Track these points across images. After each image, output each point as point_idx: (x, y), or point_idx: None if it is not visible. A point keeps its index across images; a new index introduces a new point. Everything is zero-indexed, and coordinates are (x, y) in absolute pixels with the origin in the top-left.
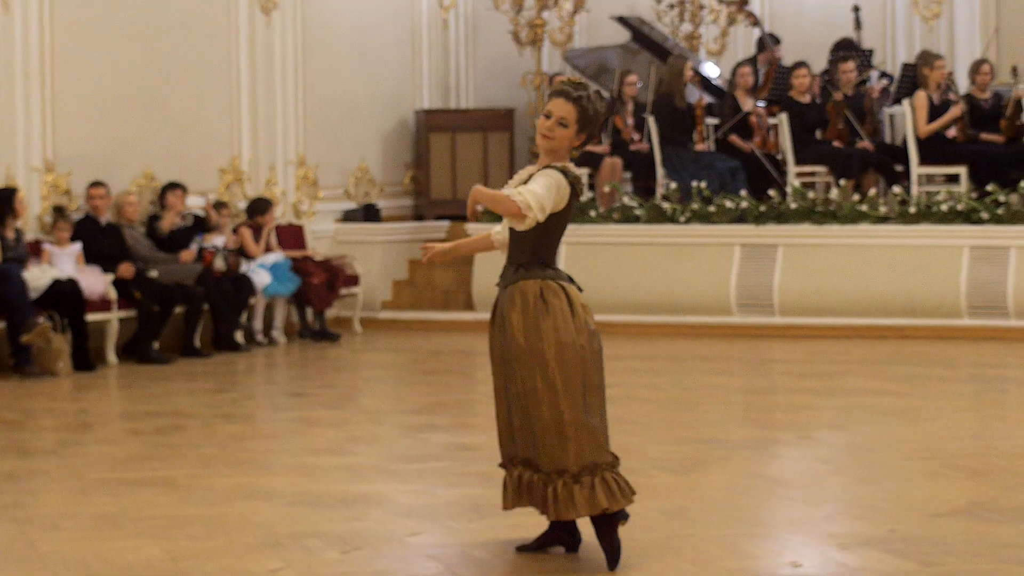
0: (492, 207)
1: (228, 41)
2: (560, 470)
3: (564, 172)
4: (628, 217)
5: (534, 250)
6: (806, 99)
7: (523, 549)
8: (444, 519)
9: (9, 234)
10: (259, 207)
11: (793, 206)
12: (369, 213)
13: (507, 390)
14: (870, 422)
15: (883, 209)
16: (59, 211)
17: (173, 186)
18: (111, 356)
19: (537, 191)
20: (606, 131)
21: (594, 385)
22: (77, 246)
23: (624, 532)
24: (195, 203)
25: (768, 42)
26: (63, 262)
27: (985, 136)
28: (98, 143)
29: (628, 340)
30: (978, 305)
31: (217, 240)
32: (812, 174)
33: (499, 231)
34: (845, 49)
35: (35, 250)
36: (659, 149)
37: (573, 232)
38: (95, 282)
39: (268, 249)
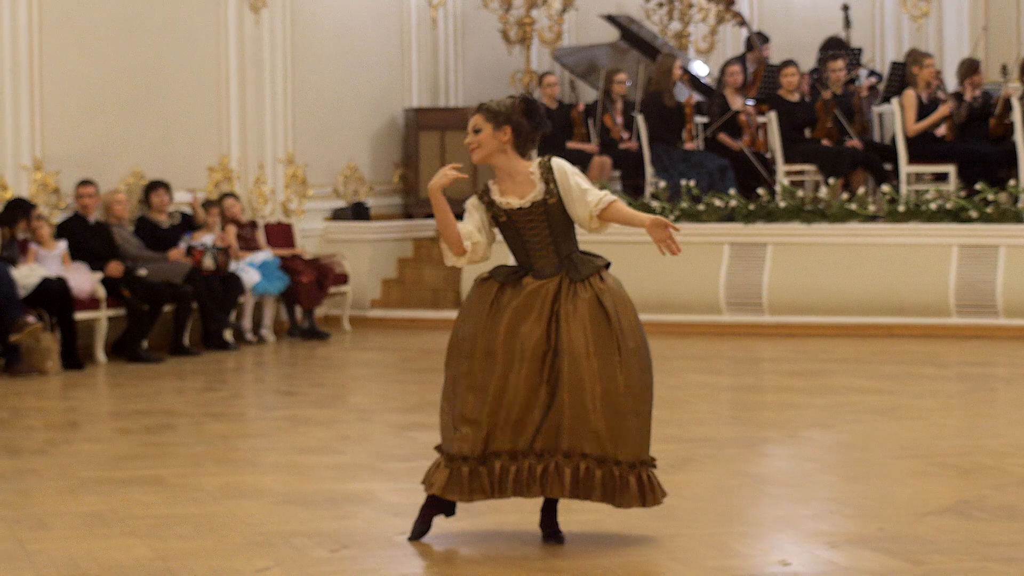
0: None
1: (217, 40)
2: (642, 460)
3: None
4: None
5: (574, 234)
6: (795, 98)
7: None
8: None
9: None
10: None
11: (782, 205)
12: (358, 212)
13: (558, 382)
14: (858, 421)
15: (872, 208)
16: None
17: (157, 185)
18: (100, 355)
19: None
20: (595, 129)
21: None
22: (63, 245)
23: (611, 530)
24: (183, 199)
25: (756, 41)
26: (49, 262)
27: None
28: (87, 142)
29: None
30: (967, 304)
31: (206, 238)
32: (801, 173)
33: (470, 247)
34: (834, 48)
35: (22, 249)
36: (648, 148)
37: None
38: (82, 280)
39: (256, 246)
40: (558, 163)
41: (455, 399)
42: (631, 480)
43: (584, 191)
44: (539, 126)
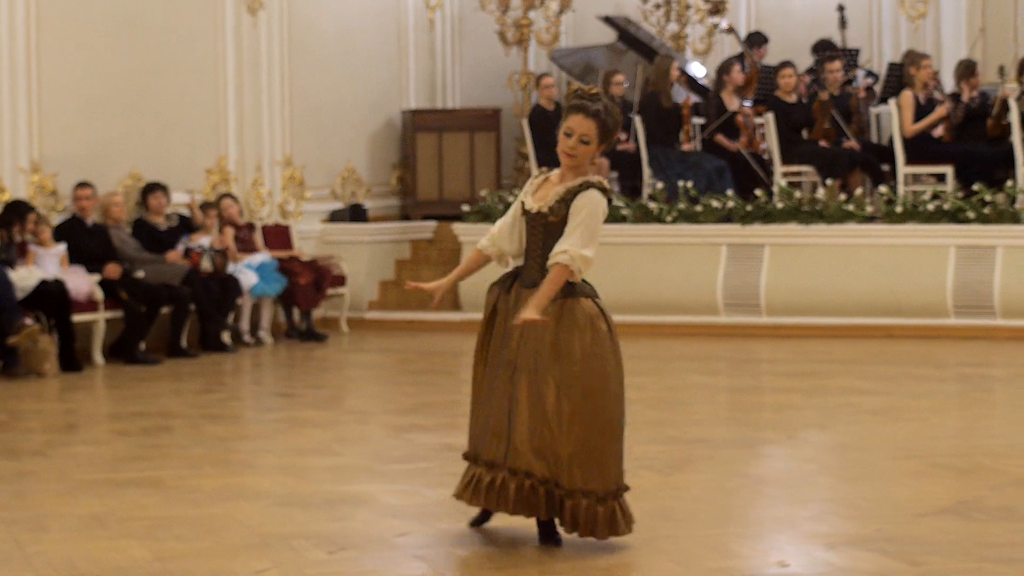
0: (553, 294)
1: (214, 41)
2: (585, 491)
3: (602, 191)
4: (615, 217)
5: None
6: (792, 99)
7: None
8: (431, 519)
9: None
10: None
11: (779, 206)
12: (356, 213)
13: (510, 396)
14: (856, 421)
15: (869, 209)
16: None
17: (154, 187)
18: (98, 357)
19: (586, 254)
20: None
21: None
22: (61, 247)
23: None
24: (181, 201)
25: (748, 52)
26: (47, 263)
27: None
28: (84, 144)
29: None
30: (964, 304)
31: (203, 240)
32: (798, 174)
33: (487, 244)
34: (825, 49)
35: (20, 251)
36: (645, 149)
37: None
38: (80, 282)
39: (254, 248)
40: (592, 195)
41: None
42: (568, 505)
43: (567, 236)
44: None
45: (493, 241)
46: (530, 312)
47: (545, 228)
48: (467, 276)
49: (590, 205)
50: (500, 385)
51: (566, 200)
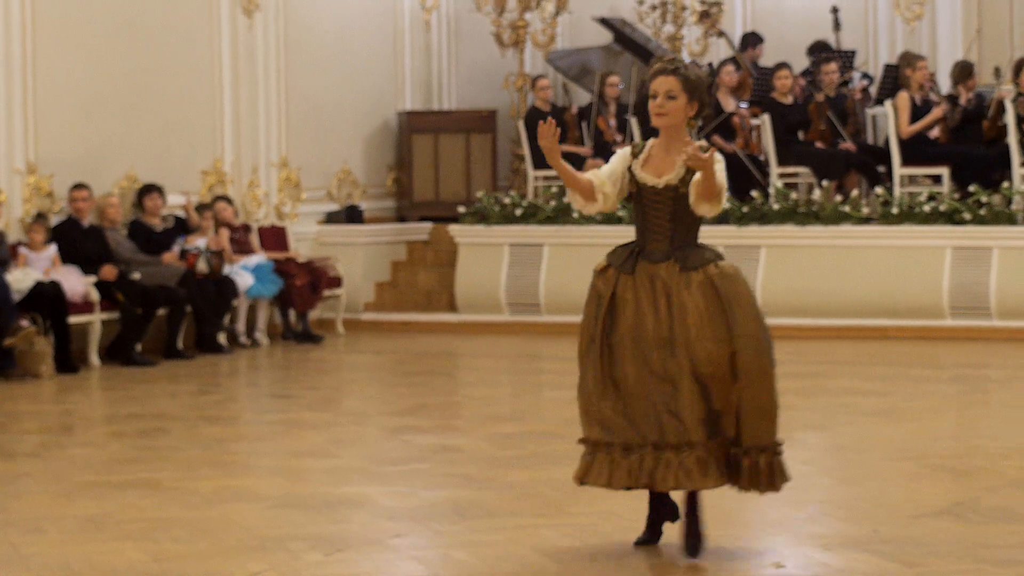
0: (709, 179)
1: (210, 43)
2: (760, 446)
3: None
4: (611, 218)
5: (697, 229)
6: (788, 100)
7: (643, 542)
8: (427, 521)
9: None
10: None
11: (776, 207)
12: (352, 215)
13: (674, 372)
14: (853, 423)
15: (866, 210)
16: (40, 216)
17: (150, 188)
18: (94, 358)
19: (723, 179)
20: (589, 132)
21: None
22: (52, 248)
23: (606, 535)
24: (177, 203)
25: (739, 56)
26: (38, 265)
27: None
28: (81, 145)
29: None
30: (960, 306)
31: (199, 242)
32: (794, 175)
33: (596, 177)
34: (820, 51)
35: (12, 252)
36: None
37: (556, 233)
38: (74, 283)
39: (250, 250)
40: (715, 155)
41: (586, 391)
42: (744, 464)
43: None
44: (710, 107)
45: (602, 183)
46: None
47: (676, 201)
48: (565, 176)
49: (715, 162)
50: (645, 365)
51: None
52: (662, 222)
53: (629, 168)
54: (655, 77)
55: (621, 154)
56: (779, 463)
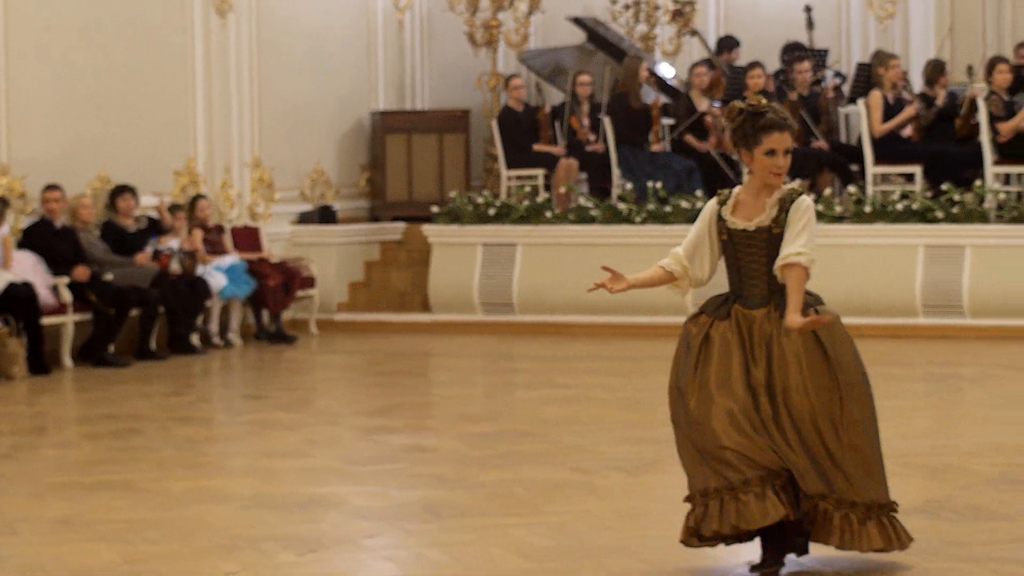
0: (802, 297)
1: (183, 43)
2: (879, 504)
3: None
4: (584, 218)
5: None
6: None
7: (762, 567)
8: (400, 521)
9: None
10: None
11: None
12: (325, 215)
13: (776, 421)
14: None
15: (839, 209)
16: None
17: (123, 189)
18: (67, 359)
19: (811, 244)
20: (562, 131)
21: None
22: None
23: (577, 532)
24: (150, 203)
25: (713, 56)
26: None
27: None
28: (53, 146)
29: (584, 341)
30: (933, 304)
31: (172, 243)
32: None
33: (671, 263)
34: (794, 52)
35: None
36: (615, 150)
37: (529, 233)
38: (39, 283)
39: (223, 250)
40: (805, 200)
41: (681, 440)
42: (869, 525)
43: (793, 239)
44: None
45: (679, 261)
46: (797, 319)
47: (770, 242)
48: (645, 287)
49: (810, 210)
50: (741, 402)
51: (784, 209)
52: (758, 265)
53: (719, 215)
54: (770, 132)
55: (707, 209)
56: (897, 522)
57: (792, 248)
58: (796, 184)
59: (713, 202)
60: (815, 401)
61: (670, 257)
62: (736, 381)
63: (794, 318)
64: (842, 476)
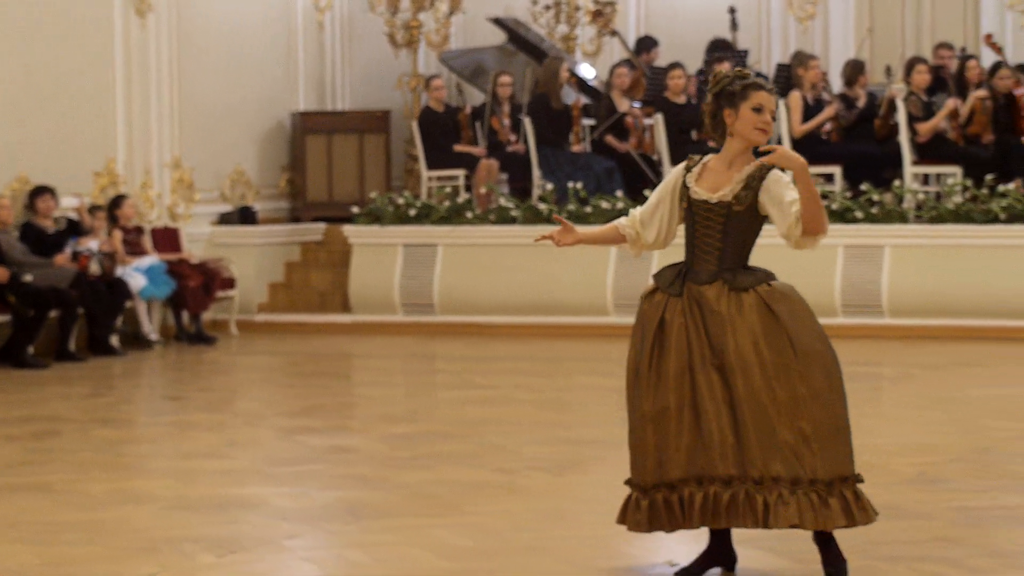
0: (808, 200)
1: (103, 44)
2: (843, 477)
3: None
4: (504, 218)
5: (749, 250)
6: (682, 100)
7: (685, 573)
8: (320, 522)
9: None
10: (115, 203)
11: None
12: (245, 216)
13: (733, 403)
14: None
15: None
16: None
17: (42, 190)
18: None
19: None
20: (483, 132)
21: None
22: None
23: (500, 534)
24: (69, 205)
25: (633, 56)
26: None
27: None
28: None
29: (505, 341)
30: (852, 304)
31: (92, 244)
32: None
33: (626, 224)
34: (719, 50)
35: None
36: (535, 150)
37: (449, 234)
38: None
39: (143, 251)
40: (780, 174)
41: (638, 427)
42: (832, 501)
43: (790, 204)
44: None
45: (634, 224)
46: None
47: (728, 218)
48: (595, 244)
49: (784, 178)
50: (697, 395)
51: (751, 187)
52: (711, 240)
53: (684, 182)
54: (758, 90)
55: (674, 173)
56: (861, 495)
57: (794, 207)
58: (763, 160)
59: (680, 167)
60: (771, 377)
61: (627, 218)
62: (692, 370)
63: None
64: (802, 453)
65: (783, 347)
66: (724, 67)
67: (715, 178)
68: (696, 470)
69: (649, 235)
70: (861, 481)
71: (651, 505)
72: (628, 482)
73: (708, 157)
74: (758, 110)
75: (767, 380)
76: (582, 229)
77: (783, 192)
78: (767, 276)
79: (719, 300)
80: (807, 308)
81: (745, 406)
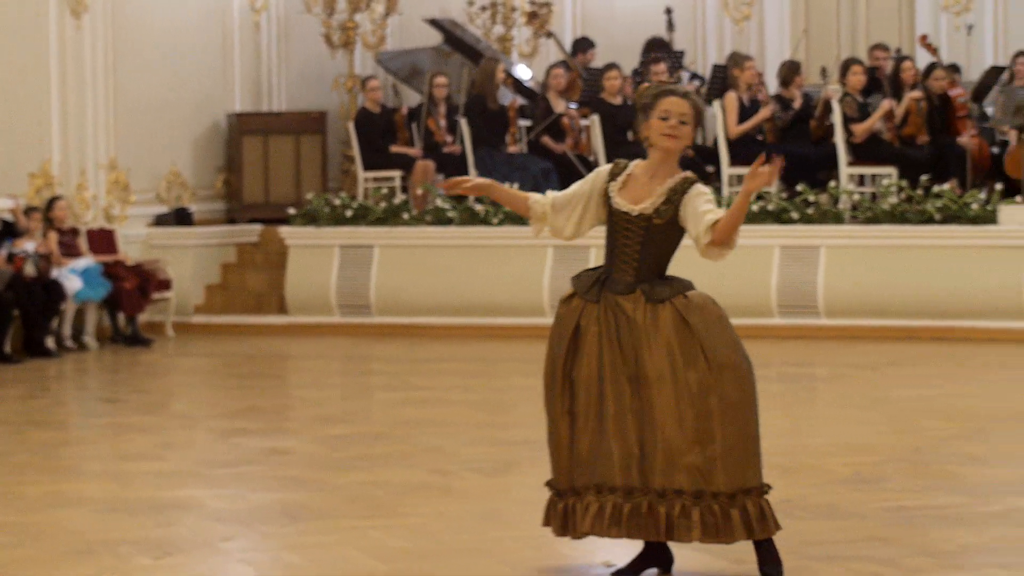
0: (737, 223)
1: (38, 44)
2: (746, 489)
3: (703, 184)
4: (441, 219)
5: (667, 261)
6: (618, 100)
7: (621, 574)
8: (257, 524)
9: None
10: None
11: None
12: (181, 217)
13: (642, 413)
14: None
15: None
16: None
17: None
18: None
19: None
20: (419, 133)
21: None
22: None
23: (436, 535)
24: (4, 206)
25: (569, 57)
26: None
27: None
28: None
29: (441, 342)
30: (788, 304)
31: (27, 245)
32: None
33: (538, 202)
34: (656, 49)
35: None
36: (472, 151)
37: (386, 235)
38: None
39: (78, 253)
40: (702, 188)
41: (554, 432)
42: (733, 513)
43: (703, 213)
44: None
45: (544, 207)
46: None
47: (647, 231)
48: (501, 201)
49: (705, 192)
50: (609, 403)
51: (672, 201)
52: (630, 251)
53: (606, 190)
54: (666, 96)
55: (598, 175)
56: (769, 506)
57: (708, 218)
58: (690, 173)
59: (605, 172)
60: (683, 394)
61: (542, 196)
62: (602, 379)
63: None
64: (707, 470)
65: (697, 360)
66: (660, 68)
67: (638, 189)
68: (596, 479)
69: (557, 222)
70: (767, 492)
71: (564, 508)
72: (549, 483)
73: (635, 163)
74: (664, 117)
75: (678, 398)
76: (500, 186)
77: (700, 204)
78: (684, 287)
79: (636, 311)
80: (723, 317)
81: (655, 419)
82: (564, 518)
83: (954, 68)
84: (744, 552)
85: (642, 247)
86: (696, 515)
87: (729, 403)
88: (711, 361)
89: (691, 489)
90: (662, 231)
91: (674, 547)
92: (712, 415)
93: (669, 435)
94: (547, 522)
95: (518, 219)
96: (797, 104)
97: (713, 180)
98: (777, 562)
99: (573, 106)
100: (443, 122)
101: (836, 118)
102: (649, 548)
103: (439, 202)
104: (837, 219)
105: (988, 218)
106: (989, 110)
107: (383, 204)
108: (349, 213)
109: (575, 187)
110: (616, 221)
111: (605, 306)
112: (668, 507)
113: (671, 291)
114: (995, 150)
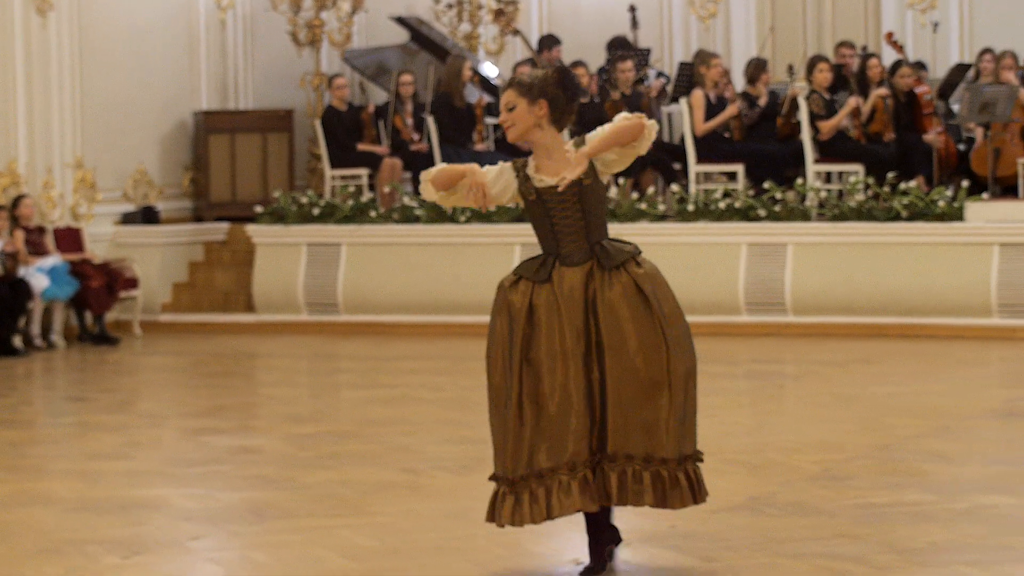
0: (612, 144)
1: (3, 43)
2: (685, 455)
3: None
4: (408, 217)
5: (605, 218)
6: (584, 99)
7: (592, 571)
8: (225, 523)
9: None
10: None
11: None
12: (148, 215)
13: (603, 381)
14: None
15: (662, 207)
16: None
17: None
18: None
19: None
20: (386, 131)
21: None
22: None
23: (405, 534)
24: None
25: (535, 55)
26: None
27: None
28: None
29: (408, 340)
30: (756, 302)
31: None
32: None
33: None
34: (619, 48)
35: None
36: (439, 149)
37: (353, 233)
38: None
39: (45, 251)
40: (591, 133)
41: (505, 418)
42: (680, 477)
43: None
44: (575, 96)
45: (484, 176)
46: (571, 173)
47: (581, 195)
48: (448, 183)
49: (590, 136)
50: (571, 377)
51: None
52: (572, 222)
53: (523, 181)
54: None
55: (504, 166)
56: (700, 473)
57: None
58: (579, 138)
59: (509, 168)
60: (640, 355)
61: (478, 169)
62: (565, 354)
63: (573, 170)
64: (656, 432)
65: (654, 329)
66: (627, 65)
67: (550, 167)
68: (568, 456)
69: (494, 190)
70: (701, 459)
71: (516, 498)
72: (493, 477)
73: (532, 157)
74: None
75: (635, 359)
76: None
77: (595, 134)
78: (635, 251)
79: (591, 280)
80: (668, 285)
81: (612, 384)
82: (517, 506)
83: (920, 65)
84: (712, 550)
85: (583, 212)
86: (647, 479)
87: (678, 373)
88: (667, 334)
89: (641, 454)
90: (592, 190)
91: (648, 550)
92: (664, 384)
93: (624, 398)
94: (491, 517)
95: (486, 216)
96: (763, 101)
97: (680, 177)
98: (613, 529)
99: None
100: (410, 120)
101: (803, 115)
102: (594, 532)
103: (406, 200)
104: (804, 216)
105: (955, 215)
106: (955, 107)
107: (350, 202)
108: (316, 211)
109: (497, 171)
110: (547, 199)
111: (558, 283)
112: (620, 472)
113: (622, 254)
114: (961, 147)
